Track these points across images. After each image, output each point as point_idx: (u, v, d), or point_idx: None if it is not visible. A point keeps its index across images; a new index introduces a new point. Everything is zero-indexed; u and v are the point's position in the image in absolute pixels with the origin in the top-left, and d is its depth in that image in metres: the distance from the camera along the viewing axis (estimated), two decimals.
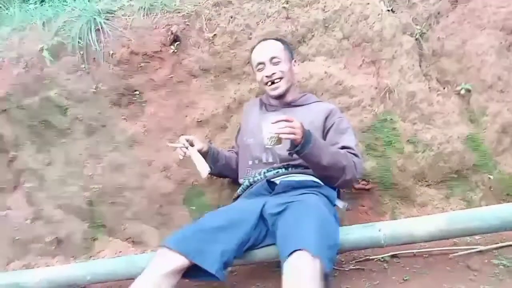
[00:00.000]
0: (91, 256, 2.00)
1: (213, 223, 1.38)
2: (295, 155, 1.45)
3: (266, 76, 1.62)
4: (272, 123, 1.36)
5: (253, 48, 1.71)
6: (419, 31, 1.84)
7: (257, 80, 1.70)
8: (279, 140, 1.37)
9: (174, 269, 1.25)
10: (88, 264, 1.78)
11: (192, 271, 1.30)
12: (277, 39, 1.72)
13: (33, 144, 2.07)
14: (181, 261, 1.26)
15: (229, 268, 1.47)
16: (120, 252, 1.97)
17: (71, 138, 2.03)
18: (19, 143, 2.07)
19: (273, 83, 1.63)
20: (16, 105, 2.04)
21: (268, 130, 1.36)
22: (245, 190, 1.63)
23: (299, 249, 1.13)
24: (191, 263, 1.27)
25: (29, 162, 2.06)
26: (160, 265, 1.26)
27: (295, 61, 1.72)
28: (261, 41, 1.72)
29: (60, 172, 2.03)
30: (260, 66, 1.65)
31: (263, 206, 1.44)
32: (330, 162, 1.44)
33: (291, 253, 1.14)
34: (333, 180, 1.51)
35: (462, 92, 1.81)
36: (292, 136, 1.36)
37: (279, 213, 1.38)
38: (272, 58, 1.62)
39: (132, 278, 1.30)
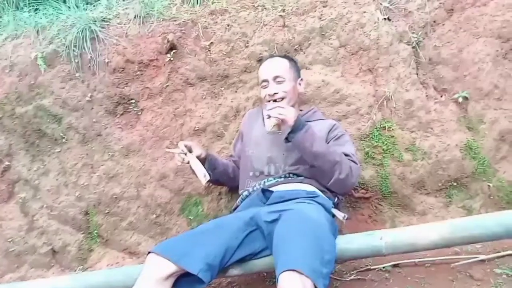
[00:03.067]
0: (87, 268, 1.97)
1: (199, 229, 1.43)
2: (290, 144, 1.51)
3: (269, 95, 1.63)
4: (268, 108, 1.49)
5: (261, 64, 1.72)
6: (416, 39, 1.84)
7: (260, 96, 1.71)
8: (277, 126, 1.48)
9: (163, 275, 1.27)
10: (83, 276, 1.76)
11: (182, 282, 1.31)
12: (285, 57, 1.72)
13: (27, 153, 2.04)
14: (168, 267, 1.27)
15: (223, 275, 1.45)
16: (117, 263, 1.94)
17: (65, 147, 2.01)
18: (13, 153, 2.04)
19: (275, 101, 1.62)
20: (10, 114, 2.01)
21: (265, 114, 1.50)
22: (243, 200, 1.62)
23: (288, 270, 1.12)
24: (180, 270, 1.28)
25: (23, 172, 2.03)
26: (150, 273, 1.28)
27: (301, 79, 1.71)
28: (268, 57, 1.74)
29: (54, 182, 2.01)
30: (264, 84, 1.66)
31: (255, 213, 1.44)
32: (323, 152, 1.47)
33: (281, 272, 1.13)
34: (327, 176, 1.50)
35: (460, 100, 1.81)
36: (281, 117, 1.46)
37: (273, 221, 1.37)
38: (276, 77, 1.63)
39: None
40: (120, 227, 1.95)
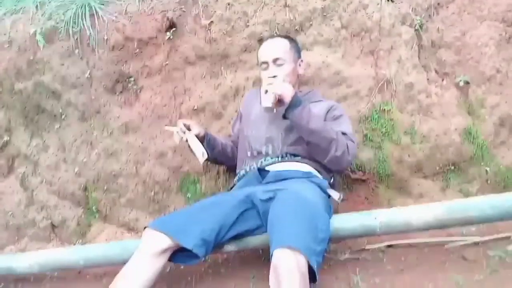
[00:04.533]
0: (86, 242, 2.00)
1: (195, 206, 1.47)
2: (288, 123, 1.53)
3: (268, 77, 1.61)
4: (267, 84, 1.49)
5: (261, 44, 1.70)
6: (419, 21, 1.81)
7: (260, 77, 1.70)
8: (273, 103, 1.47)
9: (159, 250, 1.31)
10: (81, 248, 1.78)
11: (178, 256, 1.36)
12: (285, 37, 1.70)
13: (26, 129, 2.05)
14: (165, 242, 1.32)
15: (219, 250, 1.48)
16: (116, 238, 1.97)
17: (65, 124, 2.01)
18: (12, 128, 2.06)
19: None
20: (9, 89, 2.02)
21: (263, 89, 1.50)
22: (240, 179, 1.63)
23: (281, 247, 1.14)
24: (175, 245, 1.32)
25: (23, 147, 2.04)
26: (146, 247, 1.32)
27: (301, 60, 1.69)
28: (268, 38, 1.71)
29: (53, 157, 2.02)
30: (264, 66, 1.64)
31: (251, 192, 1.45)
32: (319, 129, 1.48)
33: (275, 249, 1.15)
34: (323, 153, 1.51)
35: (461, 84, 1.80)
36: (279, 92, 1.46)
37: (269, 200, 1.39)
38: (276, 59, 1.61)
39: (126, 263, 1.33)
40: (118, 203, 1.97)
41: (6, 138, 2.05)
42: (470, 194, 1.78)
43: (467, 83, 1.79)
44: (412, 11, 1.82)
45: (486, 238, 1.49)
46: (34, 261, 1.69)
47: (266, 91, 1.48)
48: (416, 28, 1.82)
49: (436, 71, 1.84)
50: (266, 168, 1.57)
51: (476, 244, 1.49)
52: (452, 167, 1.79)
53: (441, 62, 1.83)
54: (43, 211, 2.03)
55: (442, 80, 1.83)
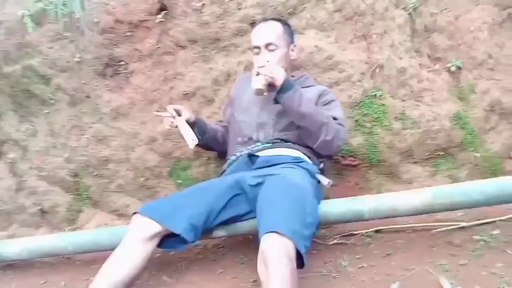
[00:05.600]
0: (76, 228, 1.99)
1: (184, 191, 1.47)
2: (280, 107, 1.53)
3: (260, 62, 1.58)
4: (258, 66, 1.47)
5: (253, 27, 1.68)
6: (412, 5, 1.80)
7: (252, 61, 1.68)
8: (264, 86, 1.46)
9: (148, 235, 1.30)
10: (69, 234, 1.78)
11: (167, 241, 1.35)
12: (279, 20, 1.67)
13: (15, 113, 2.03)
14: (153, 227, 1.31)
15: (208, 235, 1.49)
16: (106, 224, 1.96)
17: (54, 109, 1.99)
18: (1, 113, 2.03)
19: None
20: None
21: (255, 72, 1.48)
22: (230, 165, 1.62)
23: (269, 232, 1.13)
24: (164, 231, 1.32)
25: (11, 132, 2.02)
26: (135, 233, 1.31)
27: (294, 45, 1.67)
28: (261, 21, 1.68)
29: (43, 143, 2.00)
30: (256, 50, 1.62)
31: (240, 177, 1.45)
32: (310, 112, 1.48)
33: (263, 234, 1.14)
34: (313, 137, 1.51)
35: (453, 69, 1.79)
36: (270, 74, 1.45)
37: (258, 185, 1.39)
38: (268, 44, 1.59)
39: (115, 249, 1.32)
40: (109, 189, 1.96)
41: None
42: (459, 179, 1.79)
43: (459, 68, 1.79)
44: None
45: (473, 223, 1.51)
46: (23, 247, 1.69)
47: (258, 73, 1.47)
48: (410, 12, 1.81)
49: (428, 56, 1.84)
50: (256, 154, 1.56)
51: (462, 228, 1.50)
52: (442, 153, 1.80)
53: (434, 46, 1.82)
54: (32, 197, 2.01)
55: (434, 65, 1.83)
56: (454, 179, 1.79)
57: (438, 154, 1.80)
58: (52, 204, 2.00)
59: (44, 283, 1.65)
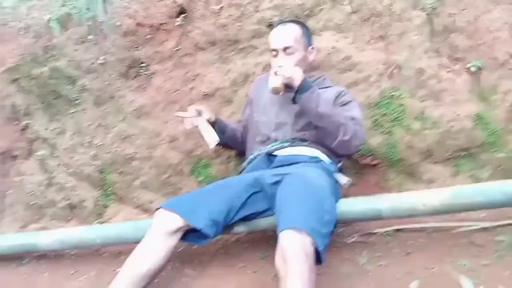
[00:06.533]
0: (103, 222, 2.08)
1: (206, 188, 1.53)
2: (298, 108, 1.55)
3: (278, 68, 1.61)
4: (277, 65, 1.50)
5: (272, 29, 1.69)
6: (431, 6, 1.78)
7: (270, 62, 1.70)
8: (282, 85, 1.49)
9: (171, 229, 1.36)
10: (98, 228, 1.87)
11: (189, 236, 1.41)
12: (297, 22, 1.68)
13: (44, 113, 2.12)
14: (176, 222, 1.37)
15: (229, 231, 1.54)
16: (131, 219, 2.04)
17: (80, 108, 2.08)
18: (31, 112, 2.13)
19: None
20: (26, 75, 2.08)
21: (272, 72, 1.51)
22: (249, 164, 1.66)
23: (288, 228, 1.17)
24: (186, 225, 1.37)
25: (41, 131, 2.12)
26: (158, 227, 1.37)
27: (312, 47, 1.68)
28: (280, 23, 1.70)
29: (70, 141, 2.09)
30: (274, 53, 1.64)
31: (259, 175, 1.49)
32: (328, 113, 1.49)
33: (281, 231, 1.18)
34: (331, 137, 1.52)
35: (473, 69, 1.76)
36: (288, 75, 1.48)
37: (276, 183, 1.42)
38: (286, 48, 1.60)
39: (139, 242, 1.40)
40: (133, 185, 2.05)
41: (25, 122, 2.13)
42: (481, 180, 1.76)
43: (479, 68, 1.76)
44: None
45: (495, 223, 1.49)
46: (55, 238, 1.77)
47: (276, 73, 1.50)
48: (428, 12, 1.79)
49: (448, 56, 1.82)
50: (274, 153, 1.60)
51: (485, 229, 1.49)
52: (463, 153, 1.78)
53: (453, 47, 1.80)
54: (62, 192, 2.12)
55: (454, 65, 1.81)
56: (477, 180, 1.76)
57: (459, 155, 1.78)
58: (80, 199, 2.10)
59: (74, 273, 1.75)
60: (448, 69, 1.79)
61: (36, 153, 2.15)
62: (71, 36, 2.01)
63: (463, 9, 1.77)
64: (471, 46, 1.77)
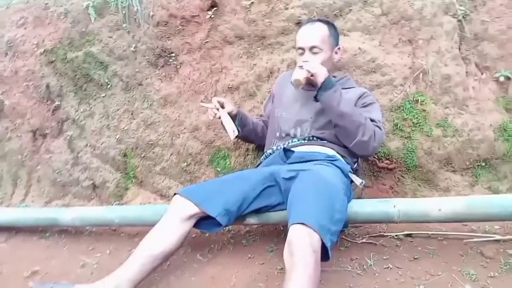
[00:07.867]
0: (122, 203, 2.16)
1: (222, 178, 1.57)
2: (319, 106, 1.57)
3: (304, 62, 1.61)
4: (303, 60, 1.55)
5: (300, 27, 1.71)
6: (463, 12, 1.76)
7: (296, 60, 1.73)
8: (304, 79, 1.52)
9: (186, 215, 1.41)
10: (118, 208, 1.95)
11: (203, 223, 1.45)
12: (325, 22, 1.68)
13: (75, 95, 2.21)
14: (191, 208, 1.42)
15: (241, 222, 1.57)
16: (149, 203, 2.12)
17: (109, 93, 2.16)
18: (63, 94, 2.23)
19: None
20: (62, 58, 2.18)
21: (298, 66, 1.55)
22: (266, 158, 1.69)
23: (297, 223, 1.18)
24: (201, 213, 1.42)
25: (71, 112, 2.22)
26: (174, 212, 1.43)
27: (338, 48, 1.69)
28: (308, 21, 1.71)
29: (98, 124, 2.18)
30: (300, 51, 1.65)
31: (275, 170, 1.51)
32: (349, 112, 1.51)
33: (291, 225, 1.20)
34: (350, 136, 1.54)
35: (501, 79, 1.74)
36: (313, 70, 1.51)
37: (291, 179, 1.44)
38: (313, 47, 1.62)
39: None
40: (153, 171, 2.11)
41: (57, 102, 2.23)
42: (500, 192, 1.74)
43: (508, 78, 1.73)
44: (456, 0, 1.77)
45: (508, 237, 1.48)
46: (76, 215, 1.85)
47: (301, 67, 1.52)
48: (459, 18, 1.77)
49: (476, 65, 1.79)
50: (292, 149, 1.62)
51: (497, 241, 1.48)
52: (483, 164, 1.76)
53: (483, 55, 1.77)
54: (86, 172, 2.21)
55: (482, 74, 1.78)
56: (495, 191, 1.74)
57: (479, 165, 1.76)
58: (103, 180, 2.19)
59: (92, 249, 1.83)
60: (476, 77, 1.77)
61: (66, 133, 2.25)
62: (106, 23, 2.09)
63: (497, 17, 1.74)
64: (502, 56, 1.74)
